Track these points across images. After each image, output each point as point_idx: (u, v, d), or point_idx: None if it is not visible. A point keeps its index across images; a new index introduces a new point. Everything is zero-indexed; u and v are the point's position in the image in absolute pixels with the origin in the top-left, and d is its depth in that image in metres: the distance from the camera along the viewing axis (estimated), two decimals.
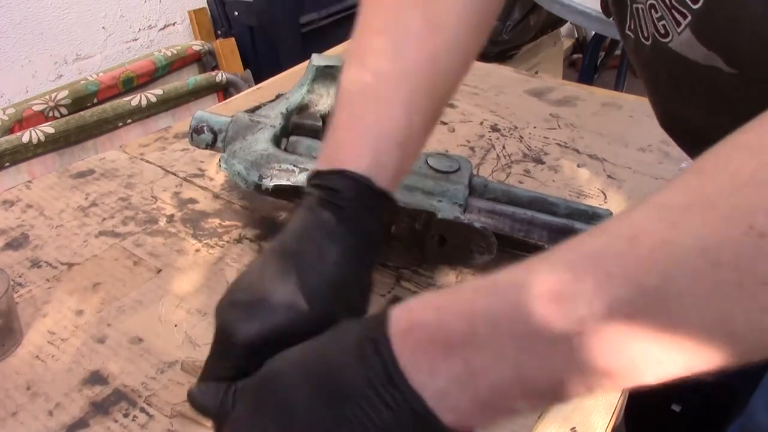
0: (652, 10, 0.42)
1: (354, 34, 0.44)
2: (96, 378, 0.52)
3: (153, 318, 0.58)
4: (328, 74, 0.70)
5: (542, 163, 0.84)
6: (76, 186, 0.76)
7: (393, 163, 0.40)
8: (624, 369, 0.25)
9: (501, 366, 0.27)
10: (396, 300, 0.32)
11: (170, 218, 0.71)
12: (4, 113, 1.38)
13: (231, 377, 0.35)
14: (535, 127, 0.92)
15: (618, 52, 2.08)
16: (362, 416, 0.29)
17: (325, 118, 0.70)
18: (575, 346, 0.25)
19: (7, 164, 1.32)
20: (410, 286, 0.62)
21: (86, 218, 0.71)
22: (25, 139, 1.33)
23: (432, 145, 0.86)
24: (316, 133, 0.69)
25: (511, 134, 0.90)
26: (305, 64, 0.73)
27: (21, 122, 1.40)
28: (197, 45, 1.79)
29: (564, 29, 2.53)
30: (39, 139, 1.35)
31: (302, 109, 0.70)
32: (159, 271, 0.64)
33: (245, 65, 1.91)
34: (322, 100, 0.71)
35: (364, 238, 0.38)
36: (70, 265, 0.64)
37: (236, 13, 1.86)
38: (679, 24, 0.40)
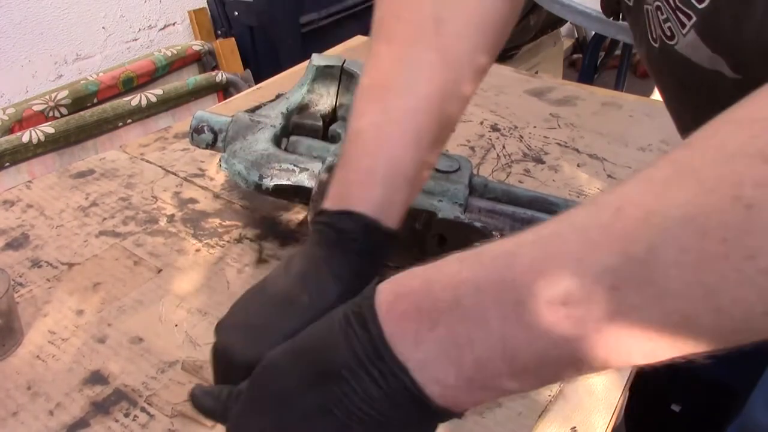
0: (659, 12, 0.42)
1: (367, 62, 0.45)
2: (96, 378, 0.52)
3: (153, 318, 0.58)
4: (328, 74, 0.70)
5: (542, 162, 0.84)
6: (76, 186, 0.76)
7: (401, 200, 0.40)
8: (610, 345, 0.25)
9: (486, 338, 0.27)
10: (383, 278, 0.32)
11: (170, 218, 0.71)
12: (4, 113, 1.38)
13: None
14: (535, 127, 0.92)
15: (618, 52, 2.08)
16: (349, 391, 0.29)
17: (325, 118, 0.70)
18: (560, 318, 0.25)
19: (7, 164, 1.32)
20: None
21: (86, 218, 0.71)
22: (25, 139, 1.33)
23: None
24: (317, 133, 0.69)
25: (511, 134, 0.90)
26: (305, 64, 0.73)
27: (21, 122, 1.40)
28: (197, 45, 1.79)
29: (564, 29, 2.53)
30: (39, 139, 1.35)
31: (302, 108, 0.70)
32: (159, 270, 0.64)
33: (245, 65, 1.91)
34: (322, 100, 0.71)
35: (367, 275, 0.39)
36: (71, 265, 0.64)
37: (236, 13, 1.86)
38: (684, 25, 0.40)
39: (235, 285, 0.62)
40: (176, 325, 0.57)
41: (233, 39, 1.89)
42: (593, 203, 0.27)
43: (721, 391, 0.76)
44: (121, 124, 1.51)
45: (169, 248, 0.67)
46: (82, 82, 1.53)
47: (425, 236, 0.61)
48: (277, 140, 0.64)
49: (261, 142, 0.63)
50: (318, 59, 0.71)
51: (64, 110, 1.48)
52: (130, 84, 1.61)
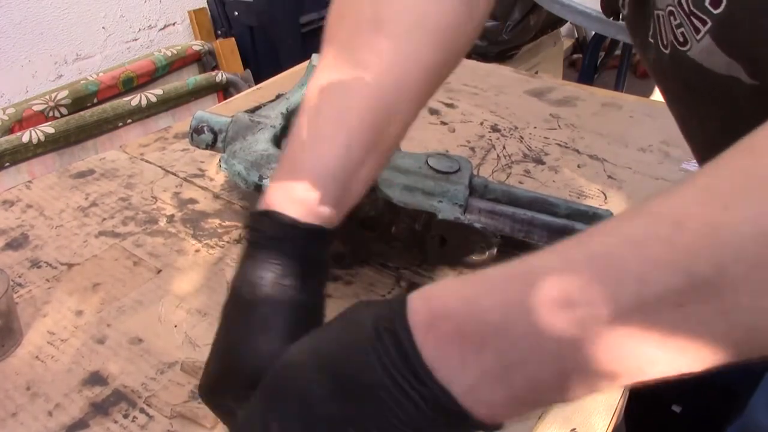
0: (671, 17, 0.41)
1: (320, 55, 0.45)
2: (96, 378, 0.52)
3: (153, 318, 0.58)
4: None
5: (542, 163, 0.84)
6: (76, 186, 0.76)
7: (327, 196, 0.40)
8: (672, 362, 0.24)
9: (539, 359, 0.26)
10: (410, 287, 0.31)
11: (170, 218, 0.71)
12: (4, 113, 1.38)
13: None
14: (535, 128, 0.92)
15: (618, 52, 2.08)
16: (386, 411, 0.28)
17: None
18: (621, 337, 0.24)
19: (7, 164, 1.32)
20: (411, 287, 0.62)
21: (86, 218, 0.71)
22: (25, 139, 1.33)
23: (432, 145, 0.86)
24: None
25: (511, 134, 0.90)
26: (305, 64, 0.73)
27: (21, 122, 1.40)
28: (197, 45, 1.79)
29: (564, 29, 2.53)
30: (39, 139, 1.35)
31: None
32: (159, 271, 0.63)
33: (245, 65, 1.91)
34: None
35: (305, 269, 0.39)
36: (70, 266, 0.64)
37: (236, 13, 1.86)
38: (698, 31, 0.39)
39: None
40: (176, 326, 0.57)
41: (233, 39, 1.89)
42: (647, 214, 0.25)
43: (722, 392, 0.76)
44: (121, 124, 1.51)
45: (168, 249, 0.66)
46: (82, 82, 1.53)
47: (425, 237, 0.61)
48: (277, 141, 0.64)
49: (261, 142, 0.63)
50: (318, 59, 0.71)
51: (64, 110, 1.48)
52: (130, 84, 1.61)
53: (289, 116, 0.69)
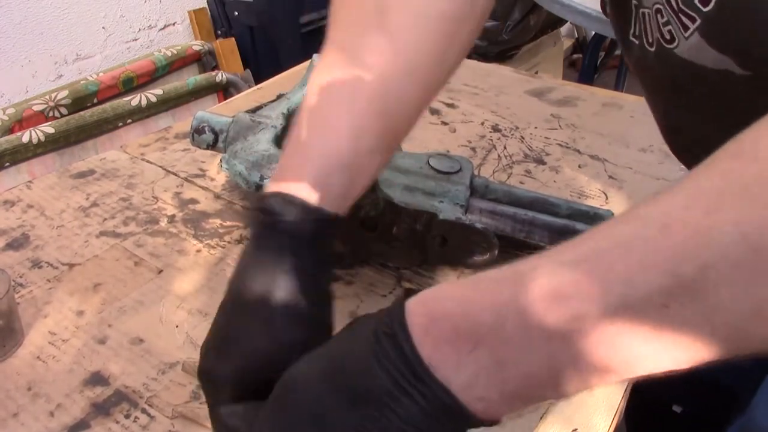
0: (659, 15, 0.41)
1: (325, 41, 0.45)
2: (97, 379, 0.52)
3: (154, 318, 0.58)
4: None
5: (543, 163, 0.84)
6: (76, 186, 0.76)
7: (336, 184, 0.40)
8: (657, 360, 0.25)
9: (532, 358, 0.27)
10: (408, 293, 0.31)
11: (171, 218, 0.71)
12: (4, 113, 1.38)
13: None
14: (536, 128, 0.92)
15: (618, 52, 2.08)
16: (390, 414, 0.29)
17: None
18: (608, 336, 0.25)
19: (7, 164, 1.32)
20: (411, 287, 0.62)
21: (87, 218, 0.71)
22: (25, 139, 1.33)
23: (433, 145, 0.86)
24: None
25: (512, 134, 0.90)
26: (305, 64, 0.73)
27: (21, 122, 1.40)
28: (197, 45, 1.79)
29: (564, 29, 2.53)
30: (39, 139, 1.35)
31: None
32: (160, 271, 0.63)
33: (245, 65, 1.91)
34: None
35: (312, 259, 0.39)
36: (71, 266, 0.64)
37: (236, 13, 1.86)
38: (686, 28, 0.39)
39: None
40: (177, 326, 0.57)
41: (233, 39, 1.89)
42: (636, 218, 0.26)
43: (723, 392, 0.76)
44: (121, 124, 1.51)
45: (169, 249, 0.66)
46: (82, 82, 1.53)
47: (426, 237, 0.61)
48: (278, 141, 0.64)
49: (262, 142, 0.63)
50: (318, 59, 0.71)
51: (64, 110, 1.48)
52: (130, 84, 1.61)
53: (290, 116, 0.69)
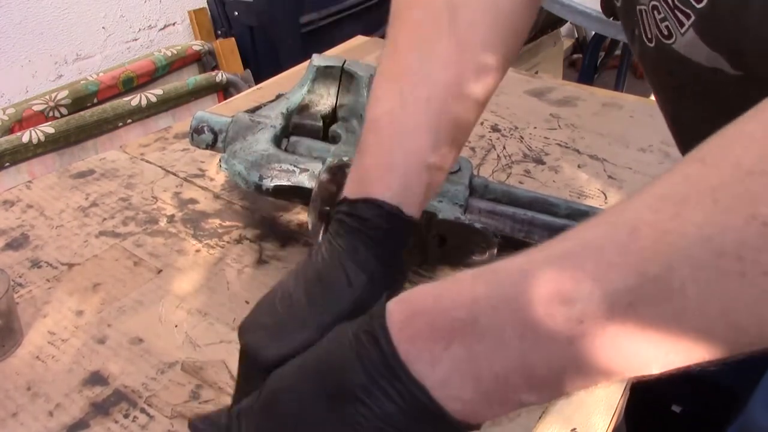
0: (655, 12, 0.41)
1: (384, 49, 0.44)
2: (96, 378, 0.52)
3: (153, 318, 0.58)
4: (329, 74, 0.70)
5: (543, 163, 0.84)
6: (76, 186, 0.76)
7: (421, 187, 0.40)
8: (627, 361, 0.25)
9: (504, 356, 0.27)
10: (392, 294, 0.32)
11: (171, 218, 0.71)
12: (4, 113, 1.38)
13: None
14: (535, 128, 0.92)
15: (618, 52, 2.08)
16: (366, 411, 0.29)
17: (325, 118, 0.70)
18: (576, 336, 0.25)
19: (7, 164, 1.32)
20: (410, 287, 0.62)
21: (86, 218, 0.71)
22: (25, 139, 1.33)
23: None
24: (317, 134, 0.69)
25: (511, 134, 0.90)
26: (305, 64, 0.73)
27: (21, 122, 1.40)
28: (197, 45, 1.78)
29: (564, 29, 2.53)
30: (39, 139, 1.35)
31: (303, 109, 0.70)
32: (159, 271, 0.63)
33: (245, 65, 1.91)
34: (323, 100, 0.71)
35: (391, 264, 0.39)
36: (71, 266, 0.64)
37: (236, 13, 1.86)
38: (682, 24, 0.39)
39: (235, 286, 0.62)
40: (176, 326, 0.57)
41: (233, 39, 1.89)
42: (606, 222, 0.27)
43: (723, 392, 0.76)
44: (121, 124, 1.51)
45: (169, 249, 0.66)
46: (82, 82, 1.53)
47: (425, 237, 0.61)
48: (277, 141, 0.64)
49: (261, 142, 0.63)
50: (318, 59, 0.71)
51: (64, 110, 1.48)
52: (130, 84, 1.61)
53: (290, 116, 0.69)
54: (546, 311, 0.26)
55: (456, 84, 0.42)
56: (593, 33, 1.93)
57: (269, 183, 0.59)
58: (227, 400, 0.48)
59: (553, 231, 0.62)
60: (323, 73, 0.70)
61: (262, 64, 1.91)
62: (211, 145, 0.67)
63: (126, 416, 0.49)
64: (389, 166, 0.40)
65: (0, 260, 0.64)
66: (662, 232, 0.24)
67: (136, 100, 1.52)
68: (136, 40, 1.80)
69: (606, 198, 0.77)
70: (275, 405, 0.32)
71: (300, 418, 0.31)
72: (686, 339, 0.24)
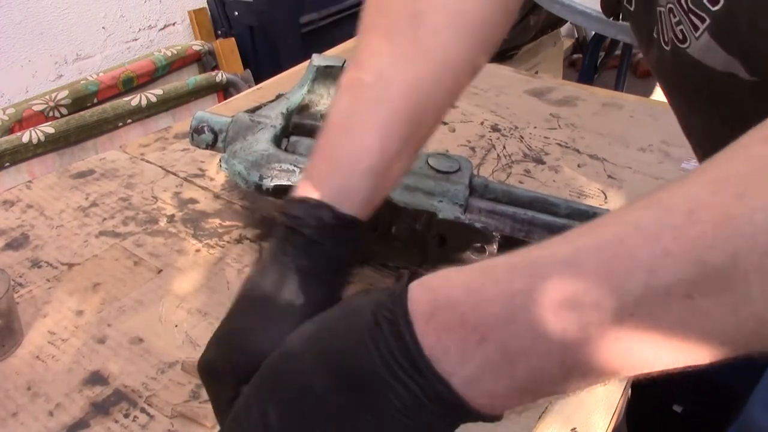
0: (671, 14, 0.41)
1: (355, 47, 0.45)
2: (96, 378, 0.52)
3: (153, 318, 0.58)
4: (329, 74, 0.70)
5: (543, 163, 0.84)
6: (76, 186, 0.76)
7: (363, 188, 0.40)
8: (676, 351, 0.24)
9: (544, 351, 0.25)
10: (412, 276, 0.30)
11: (171, 218, 0.71)
12: (4, 113, 1.38)
13: None
14: (535, 127, 0.92)
15: (618, 52, 2.08)
16: (384, 402, 0.28)
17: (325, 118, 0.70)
18: (629, 329, 0.24)
19: (7, 164, 1.32)
20: None
21: (86, 218, 0.71)
22: (25, 139, 1.33)
23: (432, 145, 0.86)
24: (317, 134, 0.69)
25: (511, 134, 0.90)
26: (305, 64, 0.73)
27: (21, 122, 1.40)
28: (197, 45, 1.79)
29: (564, 29, 2.53)
30: (39, 139, 1.35)
31: (303, 109, 0.70)
32: (159, 271, 0.63)
33: (245, 65, 1.91)
34: (323, 100, 0.71)
35: (329, 264, 0.39)
36: (71, 266, 0.64)
37: (236, 13, 1.86)
38: (696, 28, 0.39)
39: (235, 285, 0.62)
40: (176, 326, 0.57)
41: (233, 39, 1.89)
42: (658, 204, 0.25)
43: (723, 392, 0.76)
44: (121, 124, 1.51)
45: (169, 248, 0.66)
46: (82, 82, 1.53)
47: (425, 237, 0.61)
48: (277, 140, 0.64)
49: (261, 142, 0.63)
50: (318, 59, 0.71)
51: (64, 110, 1.48)
52: (130, 84, 1.61)
53: (290, 116, 0.69)
54: (594, 305, 0.24)
55: (413, 87, 0.41)
56: (593, 33, 1.93)
57: (269, 183, 0.59)
58: None
59: (553, 230, 0.62)
60: (323, 73, 0.71)
61: (262, 64, 1.91)
62: (211, 145, 0.67)
63: (126, 416, 0.49)
64: (330, 167, 0.40)
65: (0, 260, 0.64)
66: (725, 216, 0.22)
67: (136, 100, 1.52)
68: (136, 40, 1.80)
69: (606, 197, 0.77)
70: (283, 375, 0.31)
71: (310, 395, 0.29)
72: (743, 329, 0.23)
